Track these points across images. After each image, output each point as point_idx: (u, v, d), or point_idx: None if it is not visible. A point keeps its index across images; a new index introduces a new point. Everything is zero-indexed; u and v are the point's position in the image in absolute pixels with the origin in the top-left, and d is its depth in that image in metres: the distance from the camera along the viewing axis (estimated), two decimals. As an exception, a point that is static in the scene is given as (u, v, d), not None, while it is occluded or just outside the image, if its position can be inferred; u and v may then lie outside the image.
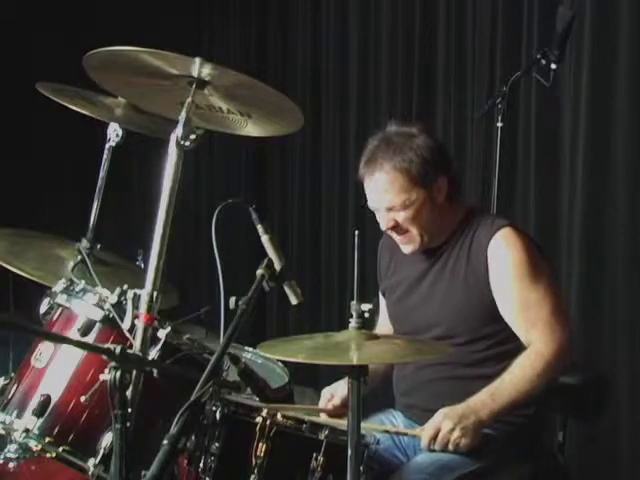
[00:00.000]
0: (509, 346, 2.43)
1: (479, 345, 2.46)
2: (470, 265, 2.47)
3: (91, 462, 2.19)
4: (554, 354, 2.37)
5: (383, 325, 2.72)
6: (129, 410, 1.92)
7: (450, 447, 2.31)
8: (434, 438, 2.32)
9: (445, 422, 2.31)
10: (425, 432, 2.34)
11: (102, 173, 2.94)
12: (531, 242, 2.48)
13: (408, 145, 2.46)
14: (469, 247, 2.48)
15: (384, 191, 2.47)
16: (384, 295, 2.73)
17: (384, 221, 2.50)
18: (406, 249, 2.55)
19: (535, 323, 2.40)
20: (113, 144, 2.90)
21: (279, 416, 2.11)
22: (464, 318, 2.47)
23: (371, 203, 2.52)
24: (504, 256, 2.43)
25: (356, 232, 1.98)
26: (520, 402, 2.36)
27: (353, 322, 1.95)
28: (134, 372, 2.04)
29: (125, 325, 2.20)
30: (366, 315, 1.95)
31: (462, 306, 2.47)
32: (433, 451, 2.34)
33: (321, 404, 2.60)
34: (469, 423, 2.30)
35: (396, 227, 2.50)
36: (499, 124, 3.25)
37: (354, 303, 1.94)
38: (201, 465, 2.09)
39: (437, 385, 2.49)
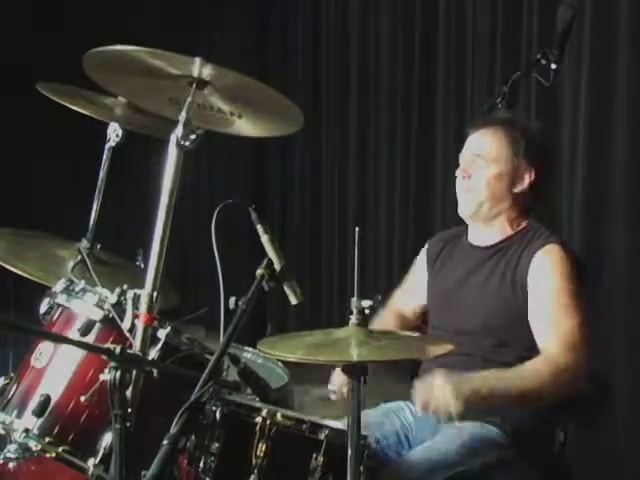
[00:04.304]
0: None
1: (512, 348, 2.49)
2: (517, 271, 2.52)
3: (91, 462, 2.18)
4: (567, 365, 2.36)
5: (384, 316, 2.75)
6: (129, 410, 1.92)
7: (441, 409, 2.23)
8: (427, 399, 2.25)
9: (438, 379, 2.26)
10: (418, 390, 2.29)
11: (102, 173, 2.95)
12: (576, 262, 2.53)
13: (523, 130, 2.65)
14: (519, 255, 2.54)
15: (484, 139, 2.64)
16: (429, 284, 2.77)
17: (462, 168, 2.64)
18: (463, 207, 2.64)
19: (556, 334, 2.41)
20: (113, 144, 2.90)
21: (279, 416, 2.11)
22: (503, 320, 2.51)
23: (465, 149, 2.68)
24: (546, 266, 2.49)
25: (357, 229, 2.00)
26: (521, 397, 2.34)
27: (353, 318, 1.95)
28: (134, 372, 2.04)
29: (125, 325, 2.20)
30: (367, 312, 1.96)
31: (504, 309, 2.52)
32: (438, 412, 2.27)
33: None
34: (464, 388, 2.25)
35: (468, 178, 2.61)
36: (499, 124, 3.24)
37: (354, 299, 1.95)
38: (201, 465, 2.09)
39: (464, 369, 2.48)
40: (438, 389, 2.25)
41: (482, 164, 2.61)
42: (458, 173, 2.65)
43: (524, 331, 2.49)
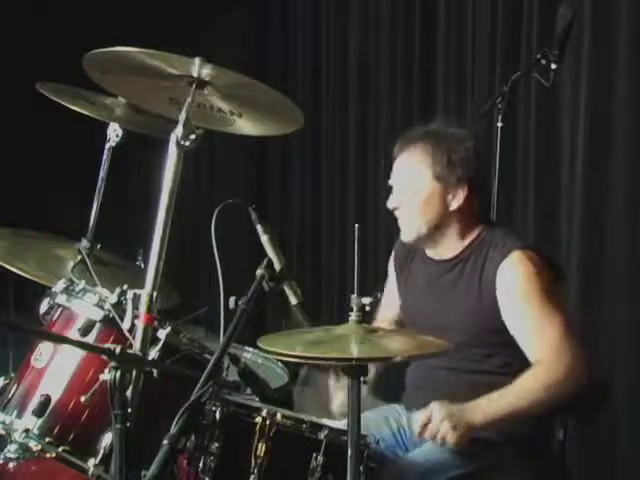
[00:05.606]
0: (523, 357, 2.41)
1: (495, 357, 2.47)
2: (482, 285, 2.47)
3: (91, 462, 2.19)
4: (560, 371, 2.33)
5: (382, 321, 2.73)
6: (129, 410, 1.92)
7: (438, 438, 2.24)
8: (425, 427, 2.26)
9: (437, 412, 2.26)
10: (417, 418, 2.29)
11: (102, 173, 2.95)
12: (542, 264, 2.45)
13: (446, 143, 2.51)
14: (482, 267, 2.48)
15: (403, 163, 2.54)
16: (399, 292, 2.74)
17: (392, 199, 2.55)
18: (403, 236, 2.58)
19: (543, 344, 2.37)
20: (113, 144, 2.91)
21: (279, 416, 2.11)
22: (476, 331, 2.47)
23: (391, 179, 2.58)
24: (512, 280, 2.42)
25: (356, 226, 1.99)
26: (520, 412, 2.33)
27: (353, 315, 1.95)
28: (134, 372, 2.04)
29: (125, 325, 2.20)
30: (367, 309, 1.95)
31: (475, 321, 2.47)
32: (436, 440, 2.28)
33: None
34: (460, 420, 2.25)
35: (398, 210, 2.54)
36: (499, 124, 3.24)
37: (354, 296, 1.95)
38: (201, 465, 2.09)
39: (450, 386, 2.48)
40: (435, 424, 2.24)
41: (408, 193, 2.51)
42: (389, 204, 2.56)
43: (500, 339, 2.44)
